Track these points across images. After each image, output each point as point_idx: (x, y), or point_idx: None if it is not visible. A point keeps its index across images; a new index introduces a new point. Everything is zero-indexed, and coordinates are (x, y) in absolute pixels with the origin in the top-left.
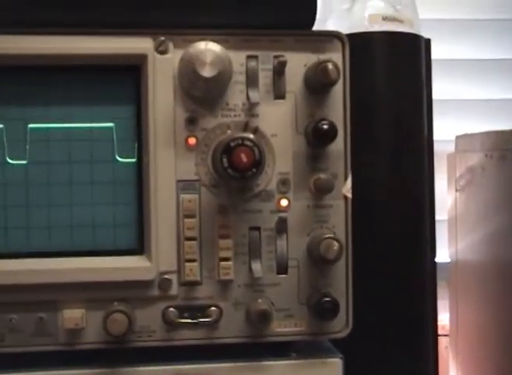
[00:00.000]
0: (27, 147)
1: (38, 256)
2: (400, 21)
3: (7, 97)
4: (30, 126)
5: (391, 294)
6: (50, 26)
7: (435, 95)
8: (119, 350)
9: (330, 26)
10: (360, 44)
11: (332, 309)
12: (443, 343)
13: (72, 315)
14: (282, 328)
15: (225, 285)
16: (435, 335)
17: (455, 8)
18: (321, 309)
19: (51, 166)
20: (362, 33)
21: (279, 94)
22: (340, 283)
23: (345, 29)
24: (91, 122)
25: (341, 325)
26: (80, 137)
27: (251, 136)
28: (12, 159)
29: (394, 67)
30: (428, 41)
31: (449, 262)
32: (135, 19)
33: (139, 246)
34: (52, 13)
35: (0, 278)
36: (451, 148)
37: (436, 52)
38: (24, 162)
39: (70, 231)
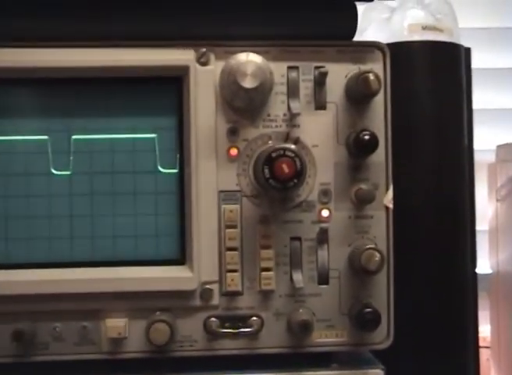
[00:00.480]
0: (71, 158)
1: (81, 266)
2: (440, 30)
3: (51, 109)
4: (74, 137)
5: (432, 306)
6: (94, 39)
7: (475, 105)
8: (161, 359)
9: (369, 36)
10: (400, 53)
11: (374, 320)
12: (485, 355)
13: (115, 324)
14: (323, 339)
15: (266, 295)
16: (477, 347)
17: (495, 17)
18: (363, 320)
19: (95, 176)
20: (402, 43)
21: (320, 105)
22: (381, 294)
23: (384, 39)
24: (134, 133)
25: (382, 336)
26: (122, 148)
27: (293, 147)
28: (56, 170)
29: (434, 77)
30: (468, 50)
31: (490, 273)
32: (177, 31)
33: (181, 256)
34: (96, 26)
35: (44, 287)
36: (491, 157)
37: (477, 61)
38: (68, 172)
39: (113, 241)
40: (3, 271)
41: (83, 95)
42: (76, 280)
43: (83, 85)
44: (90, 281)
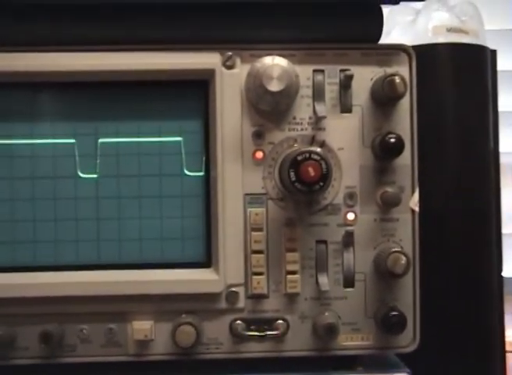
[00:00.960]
0: (98, 161)
1: (108, 268)
2: (465, 32)
3: (78, 113)
4: (101, 140)
5: (457, 309)
6: (121, 43)
7: (500, 107)
8: (187, 362)
9: (394, 38)
10: (425, 56)
11: (400, 323)
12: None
13: (142, 326)
14: (349, 342)
15: (291, 298)
16: (503, 351)
17: None
18: (389, 323)
19: (121, 179)
20: (427, 45)
21: (346, 108)
22: (407, 298)
23: (409, 41)
24: (160, 136)
25: (408, 339)
26: (148, 151)
27: (318, 150)
28: (83, 173)
29: (459, 79)
30: (493, 52)
31: None
32: (203, 35)
33: (207, 259)
34: (122, 30)
35: (71, 289)
36: None
37: (502, 63)
38: (95, 176)
39: (139, 244)
40: (31, 273)
41: (110, 99)
42: (103, 283)
43: (110, 89)
44: (117, 284)
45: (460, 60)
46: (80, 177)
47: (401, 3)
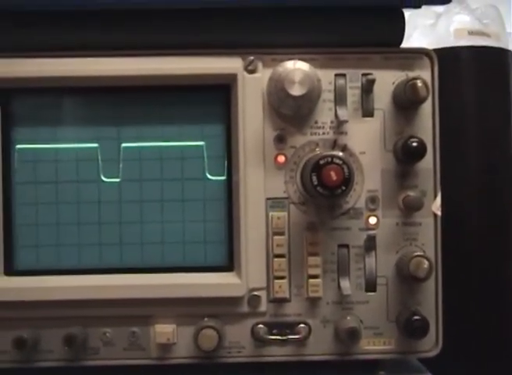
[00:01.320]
0: (120, 165)
1: (131, 272)
2: (487, 35)
3: (101, 117)
4: (124, 145)
5: (480, 312)
6: (143, 48)
7: None
8: (209, 365)
9: (415, 41)
10: (446, 59)
11: (422, 328)
12: None
13: (164, 330)
14: (371, 346)
15: (313, 302)
16: None
17: None
18: (411, 328)
19: (144, 183)
20: (448, 48)
21: (368, 112)
22: (430, 302)
23: (430, 44)
24: (182, 140)
25: (431, 344)
26: (171, 155)
27: (340, 154)
28: (106, 177)
29: (481, 82)
30: None
31: None
32: (225, 39)
33: (229, 263)
34: (145, 36)
35: (94, 293)
36: None
37: None
38: (117, 180)
39: (162, 247)
40: (54, 277)
41: (132, 103)
42: (126, 286)
43: (133, 93)
44: (140, 287)
45: (482, 63)
46: (103, 181)
47: (423, 6)
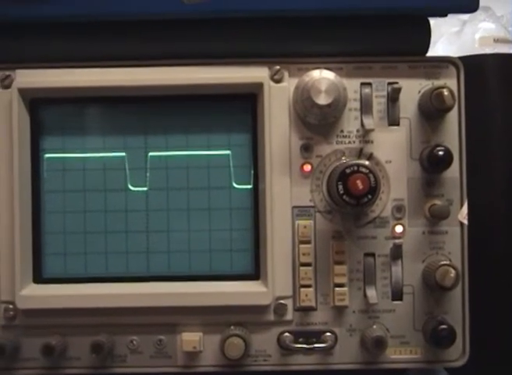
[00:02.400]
0: (148, 174)
1: (157, 280)
2: None
3: (129, 126)
4: (151, 154)
5: (507, 321)
6: (170, 57)
7: None
8: (235, 373)
9: (439, 49)
10: (471, 67)
11: (449, 337)
12: None
13: (191, 338)
14: (398, 355)
15: (340, 311)
16: None
17: None
18: (438, 337)
19: (170, 192)
20: (474, 56)
21: (394, 121)
22: (456, 311)
23: (455, 52)
24: (209, 149)
25: (458, 353)
26: (197, 164)
27: (367, 163)
28: (133, 186)
29: (507, 90)
30: None
31: None
32: (251, 49)
33: (255, 271)
34: (172, 46)
35: (122, 301)
36: None
37: None
38: (145, 188)
39: (188, 256)
40: (82, 285)
41: (159, 113)
42: (153, 294)
43: (160, 103)
44: (166, 295)
45: (508, 71)
46: (130, 190)
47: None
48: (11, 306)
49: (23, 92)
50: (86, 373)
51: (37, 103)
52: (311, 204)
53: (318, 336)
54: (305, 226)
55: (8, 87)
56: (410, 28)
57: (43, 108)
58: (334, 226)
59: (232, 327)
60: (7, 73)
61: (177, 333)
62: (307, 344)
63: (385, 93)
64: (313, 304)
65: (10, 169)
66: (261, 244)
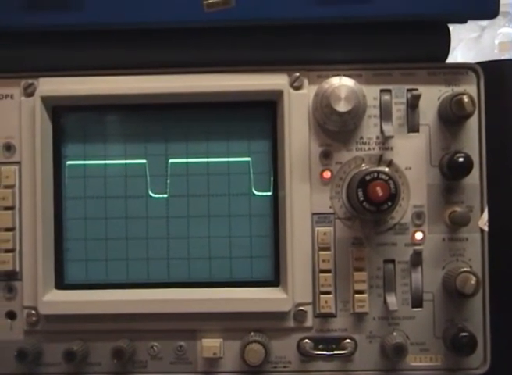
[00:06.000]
0: (168, 181)
1: (178, 286)
2: None
3: (149, 134)
4: (171, 161)
5: None
6: (190, 65)
7: None
8: None
9: (458, 55)
10: (491, 72)
11: (470, 344)
12: None
13: (211, 344)
14: (418, 362)
15: (359, 318)
16: None
17: None
18: (458, 344)
19: (191, 199)
20: (493, 62)
21: (413, 128)
22: (477, 318)
23: (473, 58)
24: (229, 156)
25: (479, 361)
26: (217, 171)
27: (387, 169)
28: (153, 193)
29: None
30: None
31: None
32: (271, 56)
33: (275, 278)
34: (193, 53)
35: (142, 307)
36: None
37: None
38: (165, 195)
39: (208, 262)
40: (103, 291)
41: (180, 120)
42: (173, 301)
43: (180, 110)
44: (187, 302)
45: None
46: (151, 197)
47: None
48: (33, 312)
49: (46, 100)
50: None
51: (60, 111)
52: (331, 211)
53: (337, 342)
54: (325, 233)
55: (31, 95)
56: (429, 35)
57: (65, 116)
58: (354, 232)
59: (252, 333)
60: (30, 81)
61: (197, 340)
62: (327, 350)
63: (404, 100)
64: (333, 310)
65: (33, 175)
66: (281, 250)
